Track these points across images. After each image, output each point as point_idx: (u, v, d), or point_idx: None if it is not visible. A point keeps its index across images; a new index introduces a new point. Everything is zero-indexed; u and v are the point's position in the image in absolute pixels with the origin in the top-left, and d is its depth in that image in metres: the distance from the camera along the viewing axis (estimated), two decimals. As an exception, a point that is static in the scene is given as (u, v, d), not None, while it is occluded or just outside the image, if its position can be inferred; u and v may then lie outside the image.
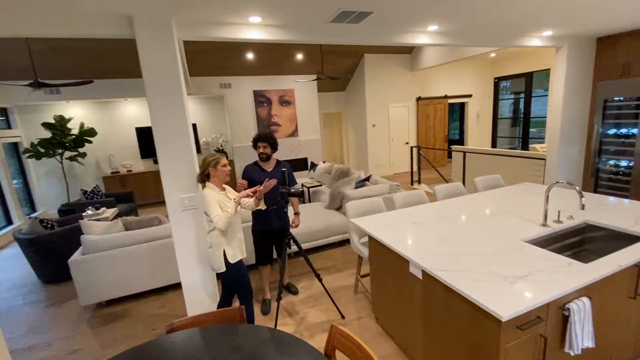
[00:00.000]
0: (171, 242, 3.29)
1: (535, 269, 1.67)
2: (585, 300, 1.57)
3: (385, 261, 2.29)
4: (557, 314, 1.56)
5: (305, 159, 8.62)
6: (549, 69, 7.93)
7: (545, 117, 8.29)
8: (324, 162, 6.62)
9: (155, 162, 7.70)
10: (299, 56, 7.36)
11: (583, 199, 1.99)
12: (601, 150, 4.66)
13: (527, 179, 5.31)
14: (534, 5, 2.72)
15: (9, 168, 6.06)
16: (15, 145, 6.52)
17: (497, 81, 9.57)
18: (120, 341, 2.71)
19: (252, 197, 2.38)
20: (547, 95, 8.22)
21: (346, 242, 4.36)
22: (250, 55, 6.93)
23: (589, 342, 1.59)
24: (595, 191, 4.80)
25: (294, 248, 3.86)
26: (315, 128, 8.60)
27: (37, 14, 2.01)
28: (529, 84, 8.58)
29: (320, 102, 9.11)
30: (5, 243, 5.53)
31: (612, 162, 4.57)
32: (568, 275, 1.59)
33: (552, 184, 2.17)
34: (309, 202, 5.65)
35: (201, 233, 2.53)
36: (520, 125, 9.16)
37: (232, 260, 2.21)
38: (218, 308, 2.50)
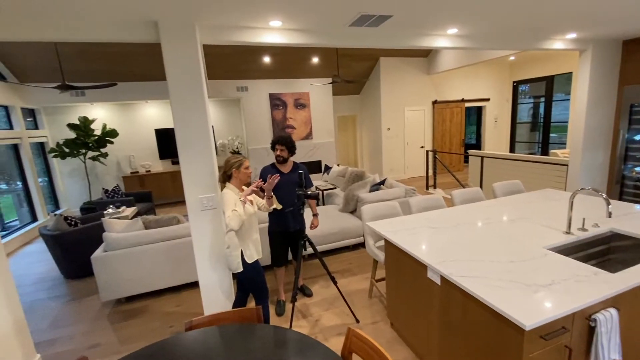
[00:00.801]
0: (188, 241, 3.36)
1: (559, 277, 1.62)
2: (613, 311, 1.51)
3: (401, 266, 2.27)
4: (583, 324, 1.51)
5: (319, 162, 8.64)
6: (571, 73, 7.71)
7: (567, 122, 8.06)
8: (338, 165, 6.62)
9: (173, 162, 7.88)
10: (315, 59, 7.42)
11: (610, 206, 1.92)
12: (627, 157, 4.49)
13: (548, 185, 5.16)
14: (559, 8, 2.67)
15: (35, 167, 6.32)
16: (41, 145, 6.80)
17: (516, 85, 9.37)
18: (138, 337, 2.77)
19: (259, 193, 2.38)
20: (568, 100, 7.99)
21: (360, 245, 4.34)
22: (266, 59, 7.03)
23: (615, 355, 1.53)
24: (620, 199, 4.62)
25: (309, 250, 3.90)
26: (330, 131, 8.63)
27: (68, 20, 2.10)
28: (550, 87, 8.36)
29: (335, 105, 9.14)
30: (30, 238, 5.76)
31: (638, 168, 4.39)
32: (594, 285, 1.54)
33: (577, 191, 2.10)
34: (323, 204, 5.66)
35: (219, 233, 2.57)
36: (540, 130, 8.93)
37: (249, 261, 2.23)
38: (233, 307, 2.53)
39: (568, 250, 2.06)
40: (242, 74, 7.42)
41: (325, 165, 6.96)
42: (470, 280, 1.65)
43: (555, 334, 1.43)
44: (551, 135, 8.57)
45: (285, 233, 2.88)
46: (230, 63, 6.84)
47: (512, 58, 8.38)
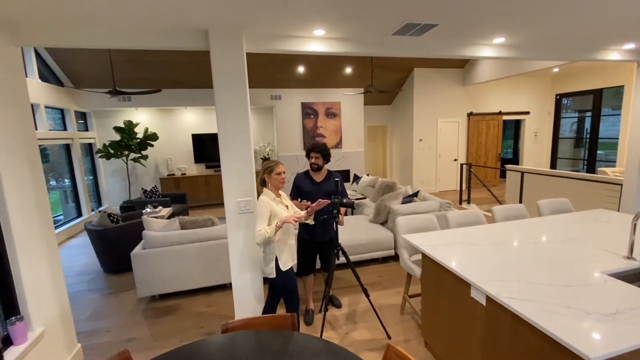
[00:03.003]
0: (221, 243, 3.42)
1: (624, 306, 1.47)
2: (691, 350, 1.34)
3: (440, 282, 2.16)
4: (654, 362, 1.35)
5: (348, 171, 8.61)
6: (622, 86, 7.20)
7: (615, 138, 7.51)
8: (367, 175, 6.55)
9: (207, 167, 8.15)
10: (348, 70, 7.46)
11: (683, 231, 1.73)
12: (692, 178, 4.06)
13: (596, 205, 4.79)
14: (623, 15, 2.50)
15: (83, 166, 6.77)
16: (89, 146, 7.29)
17: (559, 98, 8.88)
18: (171, 335, 2.83)
19: (299, 204, 2.42)
20: (616, 115, 7.45)
21: (390, 258, 4.22)
22: (301, 69, 7.16)
23: (695, 401, 1.34)
24: (683, 224, 4.18)
25: (341, 260, 3.83)
26: (360, 141, 8.59)
27: (124, 29, 2.24)
28: (598, 101, 7.84)
29: (366, 115, 9.11)
30: (75, 232, 6.14)
31: None
32: (668, 319, 1.38)
33: (642, 212, 1.92)
34: (352, 214, 5.59)
35: (254, 236, 2.59)
36: (585, 147, 8.38)
37: (283, 267, 2.23)
38: (264, 312, 2.52)
39: (631, 277, 1.88)
40: (276, 83, 7.61)
41: (355, 175, 6.91)
42: (521, 303, 1.54)
43: (623, 371, 1.28)
44: (597, 152, 8.01)
45: (313, 242, 2.84)
46: (265, 72, 7.03)
47: (555, 70, 7.98)
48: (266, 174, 2.25)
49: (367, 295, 2.60)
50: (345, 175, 8.56)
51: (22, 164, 2.06)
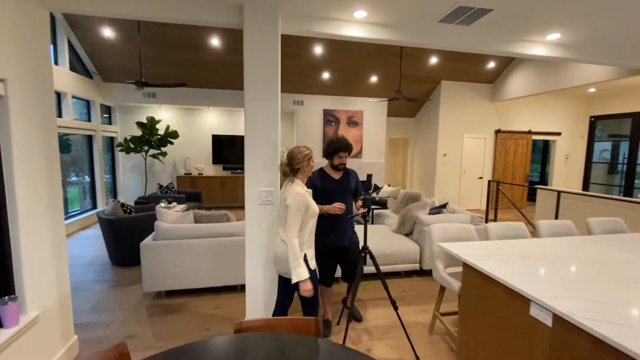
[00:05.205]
0: (234, 241, 3.20)
1: None
2: None
3: (486, 298, 1.86)
4: None
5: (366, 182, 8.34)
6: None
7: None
8: (389, 185, 6.27)
9: (225, 168, 8.05)
10: (373, 79, 7.32)
11: None
12: None
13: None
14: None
15: (103, 158, 6.76)
16: (111, 140, 7.33)
17: (594, 120, 8.45)
18: (174, 335, 2.59)
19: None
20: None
21: (414, 273, 3.89)
22: (325, 75, 7.07)
23: None
24: None
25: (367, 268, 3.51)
26: (380, 152, 8.36)
27: None
28: (637, 125, 7.38)
29: (388, 127, 8.89)
30: (88, 224, 6.07)
31: None
32: None
33: None
34: (372, 223, 5.30)
35: (275, 231, 2.36)
36: (620, 173, 7.87)
37: (312, 265, 1.97)
38: (274, 315, 2.24)
39: None
40: (299, 89, 7.54)
41: (375, 185, 6.64)
42: (605, 326, 1.23)
43: None
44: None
45: (333, 248, 2.50)
46: (289, 77, 6.96)
47: (591, 90, 7.60)
48: (305, 162, 2.02)
49: (396, 309, 2.29)
50: (363, 185, 8.29)
51: (36, 134, 1.92)
